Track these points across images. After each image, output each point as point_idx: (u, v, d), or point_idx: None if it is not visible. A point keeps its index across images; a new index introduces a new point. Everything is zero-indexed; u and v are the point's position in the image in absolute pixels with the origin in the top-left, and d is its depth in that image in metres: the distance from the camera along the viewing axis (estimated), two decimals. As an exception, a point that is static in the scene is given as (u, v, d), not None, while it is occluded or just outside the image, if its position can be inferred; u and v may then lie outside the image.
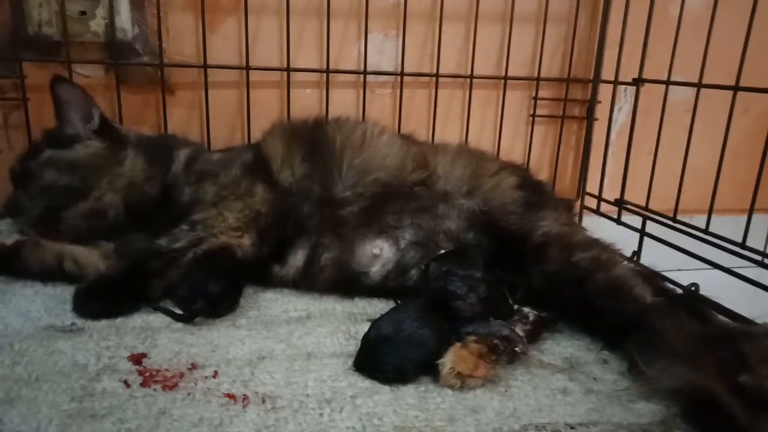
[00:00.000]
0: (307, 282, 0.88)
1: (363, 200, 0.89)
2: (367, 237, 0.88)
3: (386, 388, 0.65)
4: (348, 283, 0.87)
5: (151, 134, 1.02)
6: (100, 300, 0.77)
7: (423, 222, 0.89)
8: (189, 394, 0.61)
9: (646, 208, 1.11)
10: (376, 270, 0.87)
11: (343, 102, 1.18)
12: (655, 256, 1.03)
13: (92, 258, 0.86)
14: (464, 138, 1.22)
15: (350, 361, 0.69)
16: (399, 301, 0.82)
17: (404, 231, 0.88)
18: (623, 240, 1.06)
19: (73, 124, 0.92)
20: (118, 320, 0.76)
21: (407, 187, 0.91)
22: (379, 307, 0.84)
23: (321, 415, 0.60)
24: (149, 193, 0.91)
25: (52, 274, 0.84)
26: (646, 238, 1.09)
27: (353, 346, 0.72)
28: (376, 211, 0.89)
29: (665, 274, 0.97)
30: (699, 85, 0.98)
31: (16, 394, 0.59)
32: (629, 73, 1.15)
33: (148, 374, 0.64)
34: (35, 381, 0.62)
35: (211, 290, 0.78)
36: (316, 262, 0.87)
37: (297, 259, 0.87)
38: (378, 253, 0.87)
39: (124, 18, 1.06)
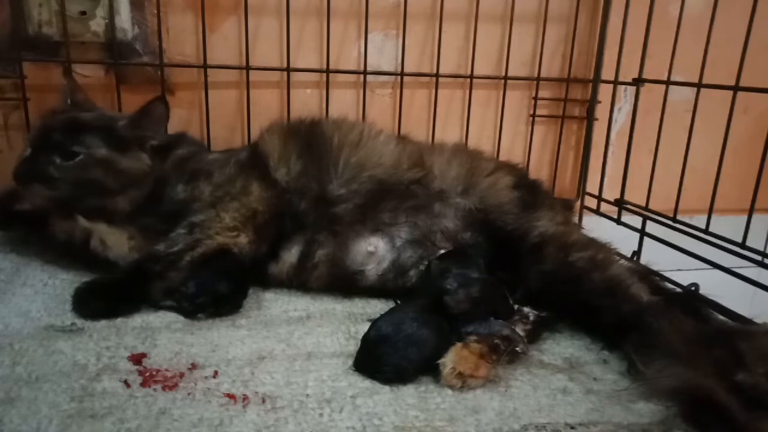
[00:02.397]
0: (301, 279, 0.88)
1: (358, 197, 0.89)
2: (362, 234, 0.88)
3: (386, 388, 0.65)
4: (343, 282, 0.87)
5: (168, 135, 1.01)
6: (101, 300, 0.77)
7: (419, 220, 0.89)
8: (189, 394, 0.62)
9: (646, 208, 1.11)
10: (371, 269, 0.87)
11: (343, 102, 1.18)
12: (655, 257, 1.03)
13: (121, 239, 0.86)
14: (464, 138, 1.22)
15: (350, 361, 0.69)
16: (398, 302, 0.82)
17: (400, 229, 0.88)
18: (623, 240, 1.06)
19: (140, 133, 0.90)
20: (118, 320, 0.76)
21: (403, 186, 0.91)
22: (379, 307, 0.84)
23: (321, 415, 0.60)
24: (148, 190, 0.90)
25: (74, 247, 0.85)
26: (646, 238, 1.09)
27: (353, 346, 0.72)
28: (371, 208, 0.89)
29: (666, 274, 0.97)
30: (699, 85, 0.98)
31: (16, 394, 0.59)
32: (629, 73, 1.15)
33: (148, 374, 0.65)
34: (35, 381, 0.62)
35: (218, 289, 0.79)
36: (310, 259, 0.87)
37: (291, 255, 0.88)
38: (373, 251, 0.87)
39: (124, 18, 1.06)
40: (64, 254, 0.88)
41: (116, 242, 0.86)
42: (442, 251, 0.86)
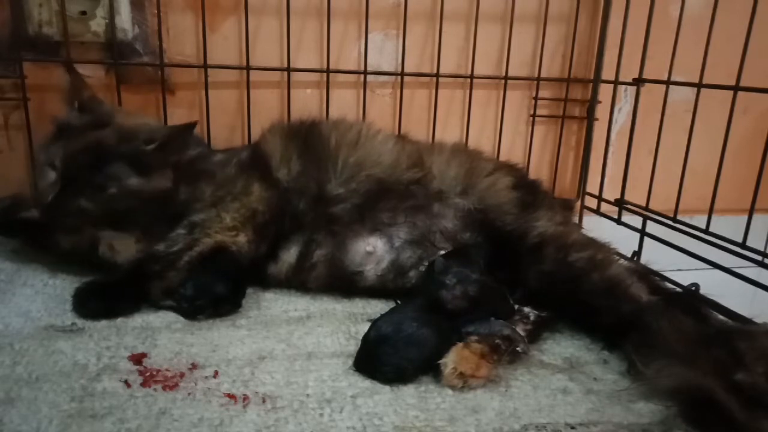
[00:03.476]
0: (299, 280, 0.88)
1: (356, 197, 0.89)
2: (360, 234, 0.88)
3: (386, 388, 0.65)
4: (342, 282, 0.87)
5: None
6: (101, 300, 0.77)
7: (418, 220, 0.89)
8: (189, 394, 0.62)
9: (646, 208, 1.11)
10: (370, 269, 0.87)
11: (343, 102, 1.18)
12: (655, 257, 1.03)
13: (128, 243, 0.86)
14: (464, 138, 1.22)
15: (350, 361, 0.69)
16: (398, 302, 0.82)
17: (398, 229, 0.88)
18: (624, 240, 1.06)
19: (168, 156, 0.87)
20: (119, 320, 0.76)
21: (402, 186, 0.91)
22: (379, 307, 0.84)
23: (321, 415, 0.60)
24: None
25: (82, 254, 0.85)
26: (646, 239, 1.09)
27: (353, 346, 0.72)
28: (370, 208, 0.89)
29: (666, 274, 0.97)
30: (699, 85, 0.98)
31: (16, 394, 0.59)
32: (630, 73, 1.15)
33: (148, 374, 0.65)
34: (35, 381, 0.62)
35: (215, 290, 0.79)
36: (308, 259, 0.87)
37: (290, 255, 0.88)
38: (371, 251, 0.87)
39: (125, 18, 1.06)
40: (66, 259, 0.89)
41: (124, 247, 0.86)
42: (442, 252, 0.86)
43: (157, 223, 0.87)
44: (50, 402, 0.59)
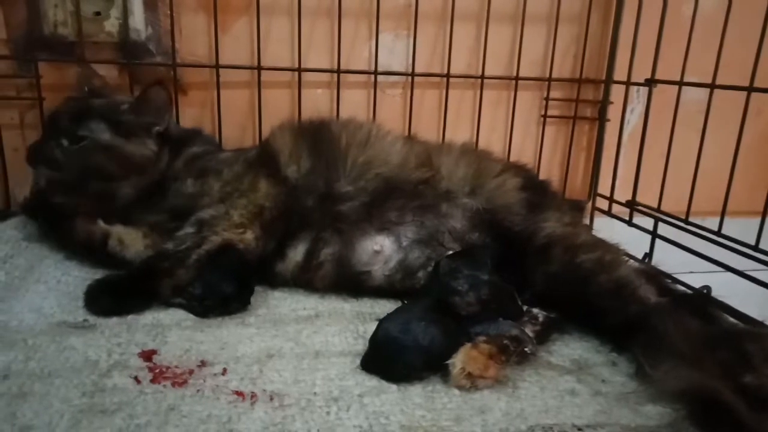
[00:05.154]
0: (306, 279, 0.88)
1: (364, 195, 0.90)
2: (368, 233, 0.88)
3: (393, 388, 0.65)
4: (350, 281, 0.87)
5: (183, 129, 1.03)
6: (112, 297, 0.78)
7: (426, 220, 0.89)
8: (198, 390, 0.62)
9: (657, 210, 1.10)
10: (377, 269, 0.87)
11: (353, 102, 1.19)
12: (667, 259, 1.02)
13: (136, 238, 0.89)
14: (475, 138, 1.22)
15: (358, 360, 0.69)
16: (405, 301, 0.82)
17: (406, 228, 0.88)
18: (635, 242, 1.05)
19: (143, 119, 0.92)
20: (129, 317, 0.77)
21: (410, 185, 0.91)
22: (388, 306, 0.84)
23: (328, 413, 0.60)
24: (154, 183, 0.93)
25: (93, 248, 0.88)
26: (658, 241, 1.08)
27: (361, 345, 0.72)
28: (378, 207, 0.89)
29: (678, 276, 0.96)
30: (712, 86, 0.98)
31: (29, 389, 0.60)
32: (642, 73, 1.14)
33: (158, 371, 0.65)
34: (48, 376, 0.63)
35: (223, 289, 0.80)
36: (315, 257, 0.87)
37: (297, 253, 0.88)
38: (379, 250, 0.87)
39: (138, 18, 1.07)
40: (80, 253, 0.90)
41: (132, 241, 0.88)
42: (450, 252, 0.86)
43: (160, 218, 0.89)
44: (62, 397, 0.59)
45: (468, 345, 0.69)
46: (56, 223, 0.92)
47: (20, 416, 0.56)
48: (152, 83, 0.92)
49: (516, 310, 0.78)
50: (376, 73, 1.16)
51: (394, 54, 1.19)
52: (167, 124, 0.95)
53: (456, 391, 0.65)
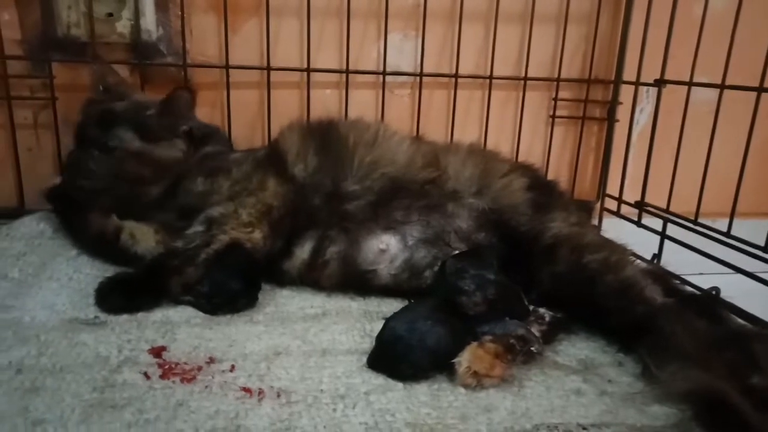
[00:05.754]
0: (312, 277, 0.89)
1: (370, 194, 0.90)
2: (374, 232, 0.88)
3: (399, 386, 0.65)
4: (355, 280, 0.88)
5: (203, 125, 1.03)
6: (122, 295, 0.79)
7: (432, 220, 0.89)
8: (206, 387, 0.63)
9: (666, 211, 1.10)
10: (383, 268, 0.87)
11: (362, 102, 1.19)
12: (676, 260, 1.02)
13: (147, 233, 0.90)
14: (483, 139, 1.22)
15: (364, 359, 0.70)
16: (412, 300, 0.83)
17: (412, 228, 0.89)
18: (645, 243, 1.05)
19: (169, 122, 0.93)
20: (139, 315, 0.77)
21: (416, 185, 0.91)
22: (395, 305, 0.84)
23: (334, 410, 0.60)
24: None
25: (104, 241, 0.90)
26: (668, 242, 1.08)
27: (368, 344, 0.73)
28: (384, 206, 0.89)
29: (687, 278, 0.96)
30: (722, 87, 0.97)
31: (41, 384, 0.61)
32: (651, 74, 1.13)
33: (167, 367, 0.66)
34: (59, 371, 0.64)
35: (231, 287, 0.81)
36: (321, 256, 0.88)
37: (303, 251, 0.89)
38: (384, 249, 0.87)
39: (149, 19, 1.08)
40: (92, 245, 0.92)
41: (143, 236, 0.90)
42: (457, 251, 0.86)
43: (169, 216, 0.90)
44: (73, 392, 0.60)
45: (474, 344, 0.69)
46: (72, 215, 0.94)
47: (33, 410, 0.57)
48: (177, 87, 0.93)
49: (522, 310, 0.78)
50: (384, 73, 1.16)
51: (402, 54, 1.19)
52: (193, 123, 0.96)
53: (462, 390, 0.65)
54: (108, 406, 0.59)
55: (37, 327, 0.73)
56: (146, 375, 0.64)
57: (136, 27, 1.07)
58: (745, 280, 0.89)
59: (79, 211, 0.92)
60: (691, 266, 0.98)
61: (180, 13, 1.08)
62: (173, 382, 0.63)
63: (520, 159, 1.22)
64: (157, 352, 0.69)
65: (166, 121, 0.93)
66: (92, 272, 0.88)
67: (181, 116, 0.94)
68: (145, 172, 0.91)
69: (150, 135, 0.92)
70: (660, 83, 1.11)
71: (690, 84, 1.04)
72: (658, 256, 1.09)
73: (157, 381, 0.63)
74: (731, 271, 0.93)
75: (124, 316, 0.77)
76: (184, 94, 0.93)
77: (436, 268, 0.86)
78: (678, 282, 0.94)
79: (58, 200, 0.97)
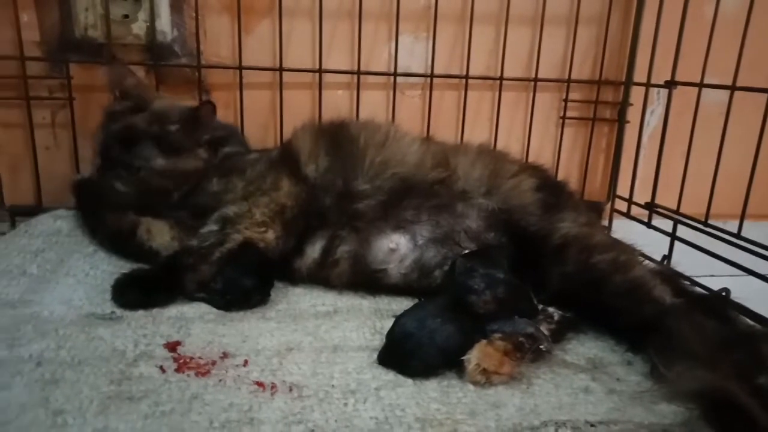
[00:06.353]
0: (322, 275, 0.89)
1: (381, 194, 0.91)
2: (384, 231, 0.89)
3: (409, 382, 0.66)
4: (365, 279, 0.89)
5: (221, 126, 1.04)
6: (138, 291, 0.81)
7: (441, 219, 0.90)
8: (220, 380, 0.64)
9: (677, 212, 1.10)
10: (393, 267, 0.88)
11: (373, 103, 1.20)
12: (687, 261, 1.02)
13: (163, 229, 0.92)
14: (493, 140, 1.23)
15: (375, 355, 0.71)
16: (422, 299, 0.84)
17: (422, 227, 0.89)
18: (655, 244, 1.05)
19: (192, 135, 0.94)
20: (155, 310, 0.79)
21: (426, 185, 0.92)
22: (405, 304, 0.85)
23: (345, 404, 0.62)
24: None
25: (122, 237, 0.92)
26: (678, 243, 1.08)
27: (378, 341, 0.74)
28: (394, 206, 0.90)
29: (698, 279, 0.96)
30: (733, 88, 0.97)
31: (60, 376, 0.63)
32: (662, 75, 1.13)
33: (182, 361, 0.67)
34: (78, 364, 0.65)
35: (244, 284, 0.82)
36: (332, 255, 0.89)
37: (314, 249, 0.90)
38: (394, 248, 0.88)
39: (164, 21, 1.10)
40: (108, 239, 0.95)
41: (159, 231, 0.92)
42: (466, 251, 0.87)
43: (184, 213, 0.92)
44: (91, 384, 0.62)
45: (483, 341, 0.70)
46: (91, 209, 0.97)
47: (53, 401, 0.59)
48: (203, 103, 0.95)
49: (531, 309, 0.78)
50: (395, 74, 1.17)
51: (413, 56, 1.20)
52: (215, 130, 0.97)
53: (471, 387, 0.66)
54: (125, 398, 0.60)
55: (55, 321, 0.74)
56: (162, 369, 0.66)
57: (151, 28, 1.09)
58: (756, 282, 0.89)
59: (99, 207, 0.95)
60: (701, 268, 0.98)
61: (194, 14, 1.10)
62: (188, 375, 0.65)
63: (530, 160, 1.22)
64: (172, 346, 0.70)
65: (189, 136, 0.94)
66: (108, 269, 0.89)
67: (207, 130, 0.95)
68: (170, 185, 0.93)
69: (173, 149, 0.93)
70: (671, 84, 1.12)
71: (701, 85, 1.04)
72: (668, 257, 1.09)
73: (172, 374, 0.65)
74: (741, 272, 0.93)
75: (140, 312, 0.78)
76: (208, 109, 0.93)
77: (445, 268, 0.87)
78: (687, 283, 0.94)
79: (81, 194, 0.99)
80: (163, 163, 0.92)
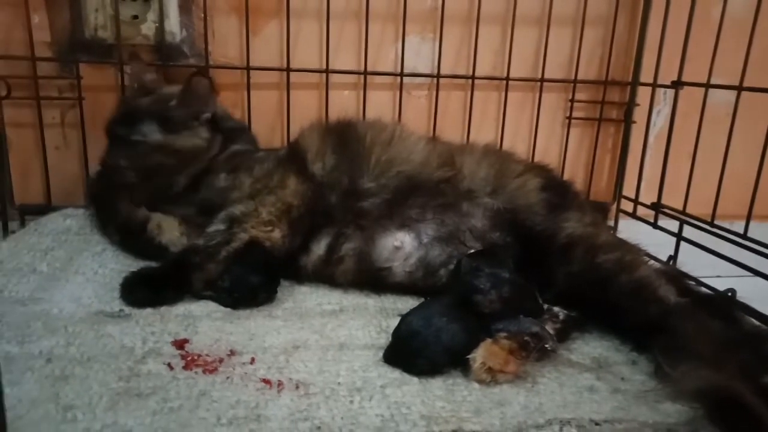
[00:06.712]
0: (327, 273, 0.90)
1: (386, 192, 0.91)
2: (389, 229, 0.90)
3: (415, 380, 0.67)
4: (370, 277, 0.89)
5: (233, 122, 1.06)
6: (146, 289, 0.82)
7: (446, 218, 0.90)
8: (227, 378, 0.65)
9: (683, 212, 1.10)
10: (398, 265, 0.89)
11: (379, 103, 1.21)
12: (693, 262, 1.02)
13: (173, 225, 0.94)
14: (499, 140, 1.23)
15: (381, 353, 0.71)
16: (427, 298, 0.84)
17: (427, 225, 0.90)
18: (662, 244, 1.05)
19: (191, 111, 0.96)
20: (163, 308, 0.80)
21: (432, 183, 0.92)
22: (410, 303, 0.85)
23: (351, 402, 0.62)
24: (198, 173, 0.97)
25: (131, 230, 0.94)
26: (685, 244, 1.07)
27: (384, 339, 0.74)
28: (399, 204, 0.91)
29: (704, 279, 0.96)
30: (739, 88, 0.97)
31: (70, 372, 0.64)
32: (669, 75, 1.13)
33: (189, 358, 0.68)
34: (87, 361, 0.66)
35: (251, 282, 0.83)
36: (337, 252, 0.89)
37: (319, 247, 0.90)
38: (399, 246, 0.88)
39: (173, 22, 1.11)
40: (117, 236, 0.97)
41: (169, 226, 0.93)
42: (472, 250, 0.87)
43: (190, 210, 0.94)
44: (100, 380, 0.63)
45: (489, 340, 0.70)
46: (104, 203, 0.98)
47: (63, 397, 0.60)
48: (193, 74, 0.96)
49: (536, 308, 0.79)
50: (402, 74, 1.18)
51: (420, 56, 1.21)
52: (215, 109, 0.98)
53: (476, 385, 0.66)
54: (134, 394, 0.61)
55: (65, 319, 0.75)
56: (170, 366, 0.66)
57: (160, 29, 1.10)
58: (762, 282, 0.89)
59: (111, 201, 0.97)
60: (707, 268, 0.98)
61: (203, 15, 1.11)
62: (196, 372, 0.65)
63: (536, 160, 1.22)
64: (180, 344, 0.71)
65: (187, 111, 0.95)
66: (117, 267, 0.90)
67: (203, 103, 0.96)
68: (169, 162, 0.95)
69: (172, 126, 0.94)
70: (677, 85, 1.11)
71: (707, 86, 1.04)
72: (674, 257, 1.08)
73: (180, 372, 0.65)
74: (748, 273, 0.93)
75: (148, 310, 0.79)
76: (202, 80, 0.95)
77: (450, 267, 0.87)
78: (693, 283, 0.94)
79: (93, 184, 1.02)
80: (160, 138, 0.93)
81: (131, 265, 0.89)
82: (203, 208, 0.92)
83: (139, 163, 0.94)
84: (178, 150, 0.94)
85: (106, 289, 0.84)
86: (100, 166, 0.97)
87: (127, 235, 0.95)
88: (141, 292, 0.81)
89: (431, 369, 0.68)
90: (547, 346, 0.72)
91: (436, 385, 0.66)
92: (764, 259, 0.90)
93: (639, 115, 1.25)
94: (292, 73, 1.15)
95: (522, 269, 0.81)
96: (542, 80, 1.22)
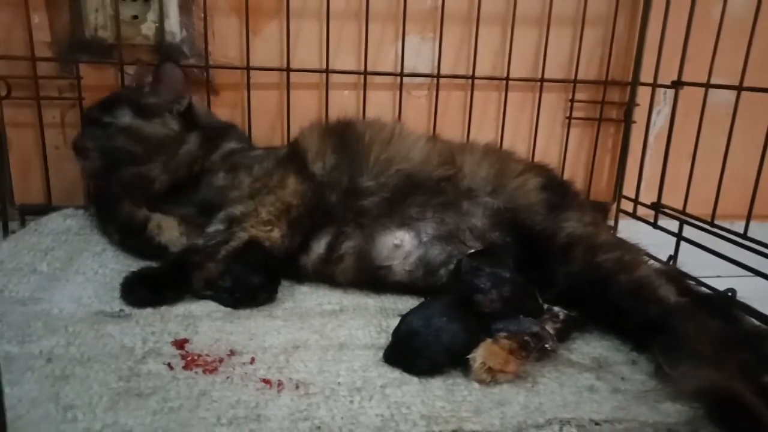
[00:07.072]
0: (327, 272, 0.90)
1: (386, 190, 0.91)
2: (388, 228, 0.90)
3: (415, 380, 0.66)
4: (370, 276, 0.89)
5: (217, 121, 1.07)
6: (146, 289, 0.82)
7: (447, 217, 0.90)
8: (228, 378, 0.65)
9: (683, 212, 1.10)
10: (398, 264, 0.88)
11: (379, 103, 1.21)
12: (693, 262, 1.02)
13: (172, 225, 0.94)
14: (499, 140, 1.23)
15: (381, 353, 0.71)
16: (427, 298, 0.84)
17: (426, 224, 0.90)
18: (662, 244, 1.05)
19: (162, 99, 0.97)
20: (163, 308, 0.80)
21: (432, 182, 0.92)
22: (410, 303, 0.85)
23: (351, 402, 0.62)
24: (188, 173, 0.98)
25: (131, 230, 0.95)
26: (685, 244, 1.08)
27: (384, 339, 0.74)
28: (399, 203, 0.91)
29: (704, 279, 0.96)
30: (739, 88, 0.97)
31: (70, 372, 0.64)
32: (669, 75, 1.13)
33: (190, 358, 0.68)
34: (87, 361, 0.66)
35: (251, 282, 0.83)
36: (336, 251, 0.89)
37: (319, 246, 0.90)
38: (399, 244, 0.88)
39: (173, 22, 1.11)
40: (117, 235, 0.97)
41: (169, 226, 0.94)
42: (472, 250, 0.87)
43: (190, 210, 0.94)
44: (100, 380, 0.63)
45: (489, 340, 0.70)
46: (104, 203, 1.00)
47: (63, 396, 0.60)
48: (161, 61, 0.98)
49: (536, 308, 0.79)
50: (402, 74, 1.18)
51: (419, 56, 1.21)
52: (188, 102, 0.99)
53: (476, 385, 0.66)
54: (134, 394, 0.61)
55: (65, 318, 0.75)
56: (170, 366, 0.66)
57: (160, 29, 1.10)
58: (762, 282, 0.89)
59: (111, 201, 0.98)
60: (707, 268, 0.98)
61: (203, 15, 1.11)
62: (196, 372, 0.65)
63: (536, 160, 1.23)
64: (180, 344, 0.71)
65: (160, 99, 0.97)
66: (117, 267, 0.90)
67: (173, 92, 0.97)
68: (134, 148, 0.95)
69: (143, 112, 0.96)
70: (677, 85, 1.12)
71: (707, 86, 1.04)
72: (674, 257, 1.08)
73: (180, 372, 0.65)
74: (748, 273, 0.93)
75: (148, 310, 0.79)
76: (174, 68, 0.96)
77: (450, 266, 0.87)
78: (693, 283, 0.94)
79: (99, 185, 1.03)
80: (128, 121, 0.95)
81: (131, 265, 0.89)
82: (203, 208, 0.92)
83: (103, 143, 0.95)
84: (145, 137, 0.95)
85: (107, 289, 0.84)
86: (72, 149, 0.99)
87: (127, 235, 0.95)
88: (141, 291, 0.81)
89: (431, 369, 0.68)
90: (547, 346, 0.72)
91: (436, 385, 0.66)
92: (764, 259, 0.90)
93: (639, 115, 1.25)
94: (292, 73, 1.15)
95: (522, 269, 0.81)
96: (542, 80, 1.22)
